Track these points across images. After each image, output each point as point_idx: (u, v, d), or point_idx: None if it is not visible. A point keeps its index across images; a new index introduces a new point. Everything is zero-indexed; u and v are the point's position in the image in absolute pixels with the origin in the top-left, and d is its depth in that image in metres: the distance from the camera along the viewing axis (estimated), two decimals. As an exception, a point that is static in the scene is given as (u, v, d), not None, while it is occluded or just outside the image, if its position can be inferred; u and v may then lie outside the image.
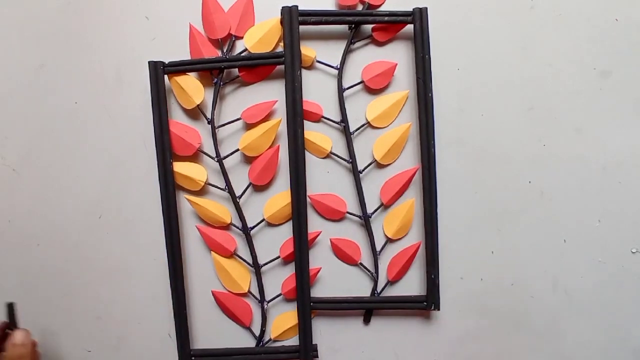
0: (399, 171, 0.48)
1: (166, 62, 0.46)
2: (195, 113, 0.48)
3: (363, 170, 0.48)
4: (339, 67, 0.48)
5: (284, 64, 0.46)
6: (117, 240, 0.49)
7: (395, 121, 0.49)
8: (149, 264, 0.49)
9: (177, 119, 0.49)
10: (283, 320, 0.49)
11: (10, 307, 0.45)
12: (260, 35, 0.47)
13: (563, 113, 0.49)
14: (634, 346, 0.49)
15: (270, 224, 0.49)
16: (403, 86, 0.49)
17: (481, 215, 0.49)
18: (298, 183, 0.46)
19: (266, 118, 0.48)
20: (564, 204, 0.49)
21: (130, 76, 0.49)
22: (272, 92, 0.48)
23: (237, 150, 0.48)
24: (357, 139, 0.49)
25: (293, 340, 0.49)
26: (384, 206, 0.49)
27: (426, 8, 0.47)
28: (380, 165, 0.49)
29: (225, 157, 0.48)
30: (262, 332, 0.49)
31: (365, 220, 0.48)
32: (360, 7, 0.48)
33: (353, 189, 0.49)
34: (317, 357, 0.48)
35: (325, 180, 0.49)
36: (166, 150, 0.46)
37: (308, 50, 0.48)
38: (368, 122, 0.48)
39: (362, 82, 0.48)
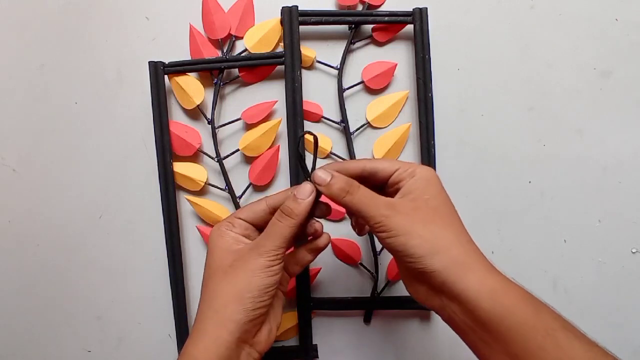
0: (399, 171, 0.48)
1: (166, 62, 0.46)
2: (195, 113, 0.48)
3: (363, 170, 0.48)
4: (339, 67, 0.48)
5: (284, 64, 0.46)
6: (118, 241, 0.49)
7: (395, 121, 0.49)
8: (149, 264, 0.49)
9: (177, 119, 0.49)
10: (283, 320, 0.48)
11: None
12: (260, 36, 0.47)
13: (563, 113, 0.49)
14: (634, 346, 0.49)
15: (270, 224, 0.49)
16: (403, 86, 0.49)
17: (481, 215, 0.49)
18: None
19: (266, 118, 0.48)
20: (564, 204, 0.49)
21: (130, 76, 0.49)
22: (272, 92, 0.48)
23: (237, 150, 0.48)
24: (357, 139, 0.49)
25: (293, 340, 0.49)
26: (384, 206, 0.49)
27: (426, 8, 0.47)
28: (380, 165, 0.49)
29: (225, 157, 0.48)
30: (262, 332, 0.49)
31: (365, 220, 0.48)
32: (360, 7, 0.48)
33: (353, 189, 0.49)
34: (317, 357, 0.48)
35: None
36: (166, 150, 0.46)
37: (308, 50, 0.48)
38: (368, 122, 0.48)
39: (362, 82, 0.48)
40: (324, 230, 0.39)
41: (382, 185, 0.36)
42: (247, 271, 0.34)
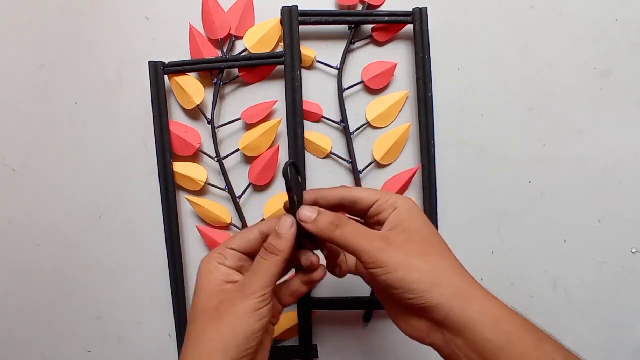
0: (399, 171, 0.48)
1: (166, 62, 0.46)
2: (195, 113, 0.48)
3: (363, 170, 0.48)
4: (339, 67, 0.48)
5: (284, 64, 0.46)
6: (117, 241, 0.49)
7: (395, 121, 0.49)
8: (149, 264, 0.49)
9: (177, 119, 0.49)
10: (283, 320, 0.49)
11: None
12: (260, 36, 0.47)
13: (563, 113, 0.49)
14: (634, 346, 0.49)
15: (270, 224, 0.49)
16: (403, 86, 0.49)
17: (481, 215, 0.49)
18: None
19: (266, 118, 0.48)
20: (564, 204, 0.49)
21: (130, 76, 0.49)
22: (272, 92, 0.48)
23: (237, 150, 0.48)
24: (357, 139, 0.49)
25: (293, 340, 0.49)
26: (384, 206, 0.49)
27: (426, 8, 0.47)
28: (380, 166, 0.49)
29: (225, 157, 0.48)
30: (262, 332, 0.49)
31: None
32: (360, 7, 0.48)
33: (353, 189, 0.48)
34: (317, 357, 0.48)
35: (325, 180, 0.49)
36: (166, 150, 0.46)
37: (308, 50, 0.48)
38: (368, 122, 0.48)
39: (362, 82, 0.48)
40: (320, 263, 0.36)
41: (361, 215, 0.35)
42: (233, 316, 0.31)
